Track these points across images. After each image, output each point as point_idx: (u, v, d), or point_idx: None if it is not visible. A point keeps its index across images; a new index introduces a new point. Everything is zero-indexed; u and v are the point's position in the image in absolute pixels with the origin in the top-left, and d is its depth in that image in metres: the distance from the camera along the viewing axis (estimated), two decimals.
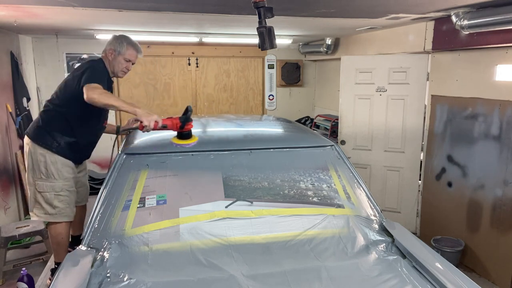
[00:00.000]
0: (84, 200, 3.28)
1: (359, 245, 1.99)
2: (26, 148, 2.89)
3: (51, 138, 2.81)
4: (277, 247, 1.93)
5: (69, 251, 3.13)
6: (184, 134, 2.41)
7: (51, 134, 2.81)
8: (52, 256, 3.48)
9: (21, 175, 4.57)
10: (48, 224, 2.98)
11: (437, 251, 3.06)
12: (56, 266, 3.09)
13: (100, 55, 2.96)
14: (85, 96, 2.53)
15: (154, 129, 2.37)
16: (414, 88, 4.20)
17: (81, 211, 3.32)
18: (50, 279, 3.18)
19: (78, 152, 2.95)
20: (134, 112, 2.43)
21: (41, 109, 2.99)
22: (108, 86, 2.86)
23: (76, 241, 3.29)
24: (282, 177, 2.33)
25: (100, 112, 2.91)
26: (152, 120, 2.35)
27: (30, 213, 2.96)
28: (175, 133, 2.46)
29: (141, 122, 2.35)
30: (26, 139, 2.89)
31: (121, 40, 2.91)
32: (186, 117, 2.39)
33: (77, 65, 3.00)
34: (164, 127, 2.39)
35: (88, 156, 3.13)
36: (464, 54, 3.59)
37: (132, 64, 3.00)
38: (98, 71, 2.77)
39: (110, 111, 3.02)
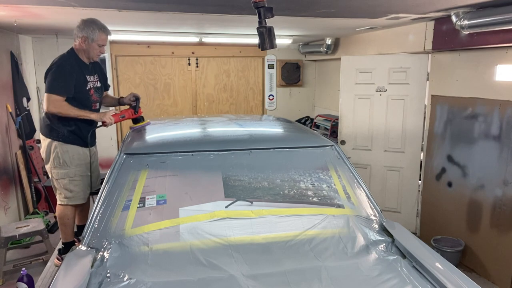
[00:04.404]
0: (96, 186, 3.47)
1: (359, 245, 2.00)
2: (42, 144, 3.21)
3: (57, 131, 3.10)
4: (277, 247, 1.94)
5: (75, 241, 3.23)
6: (138, 119, 3.15)
7: (56, 127, 3.09)
8: (52, 256, 3.52)
9: (21, 175, 4.57)
10: (56, 207, 3.29)
11: (437, 251, 3.06)
12: (63, 246, 3.36)
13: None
14: (44, 108, 2.99)
15: (116, 122, 3.13)
16: (414, 88, 4.20)
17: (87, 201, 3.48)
18: (58, 259, 3.39)
19: (81, 136, 3.17)
20: (89, 117, 3.06)
21: (42, 108, 3.17)
22: (81, 75, 3.08)
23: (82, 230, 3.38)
24: (282, 177, 2.33)
25: (86, 103, 3.15)
26: (109, 115, 3.08)
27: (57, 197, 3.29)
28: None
29: (103, 122, 3.07)
30: (41, 136, 3.22)
31: (92, 26, 3.01)
32: (136, 106, 3.19)
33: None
34: (123, 118, 3.15)
35: (91, 139, 3.31)
36: (464, 54, 3.59)
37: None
38: (60, 74, 2.97)
39: (99, 99, 3.32)
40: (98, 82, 3.29)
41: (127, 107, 3.36)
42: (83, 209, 3.46)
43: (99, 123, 3.14)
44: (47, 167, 3.21)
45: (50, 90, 2.96)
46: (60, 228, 3.33)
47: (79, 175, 3.19)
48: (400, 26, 4.14)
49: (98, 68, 3.33)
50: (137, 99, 3.26)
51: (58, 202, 3.24)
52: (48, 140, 3.13)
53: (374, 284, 1.71)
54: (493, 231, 3.36)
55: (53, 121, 3.10)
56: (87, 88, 3.15)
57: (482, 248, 3.47)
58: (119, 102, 3.47)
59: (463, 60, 3.59)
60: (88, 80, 3.15)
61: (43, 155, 3.20)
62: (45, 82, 3.02)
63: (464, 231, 3.65)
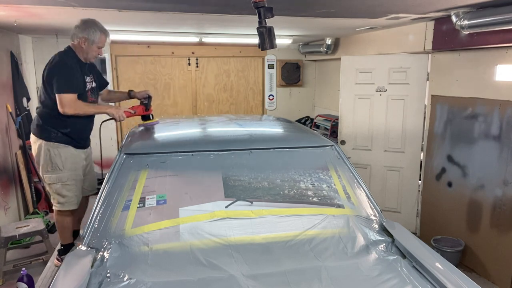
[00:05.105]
0: (92, 189, 3.41)
1: (359, 245, 2.00)
2: (33, 146, 3.09)
3: (49, 131, 3.00)
4: (277, 247, 1.94)
5: (74, 244, 3.22)
6: (148, 116, 3.15)
7: (48, 128, 3.00)
8: (52, 256, 3.52)
9: (21, 175, 4.57)
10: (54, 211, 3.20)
11: (437, 251, 3.06)
12: (62, 247, 3.33)
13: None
14: (60, 110, 2.87)
15: (128, 117, 3.11)
16: (414, 88, 4.20)
17: (84, 204, 3.42)
18: (57, 259, 3.37)
19: (76, 139, 3.09)
20: (105, 112, 3.03)
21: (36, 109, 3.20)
22: (81, 75, 3.01)
23: (76, 235, 3.36)
24: (282, 177, 2.33)
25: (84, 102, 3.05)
26: (121, 112, 3.04)
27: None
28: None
29: (114, 117, 3.03)
30: (32, 137, 3.08)
31: (93, 28, 2.96)
32: (148, 104, 3.18)
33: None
34: (134, 113, 3.14)
35: (86, 141, 3.28)
36: (464, 54, 3.59)
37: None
38: (66, 72, 2.89)
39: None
40: (94, 83, 3.22)
41: (137, 101, 3.34)
42: (79, 214, 3.39)
43: (109, 117, 3.08)
44: (40, 171, 3.11)
45: (61, 89, 2.85)
46: (58, 231, 3.28)
47: (72, 179, 3.08)
48: (400, 26, 4.14)
49: (93, 68, 3.26)
50: (149, 97, 3.25)
51: (54, 207, 3.16)
52: (40, 141, 3.01)
53: (374, 284, 1.71)
54: (493, 231, 3.36)
55: (46, 122, 3.00)
56: (86, 89, 3.08)
57: (482, 248, 3.47)
58: (130, 95, 3.43)
59: (463, 60, 3.59)
60: (86, 81, 3.09)
61: (35, 158, 3.11)
62: (45, 81, 2.93)
63: (464, 231, 3.65)
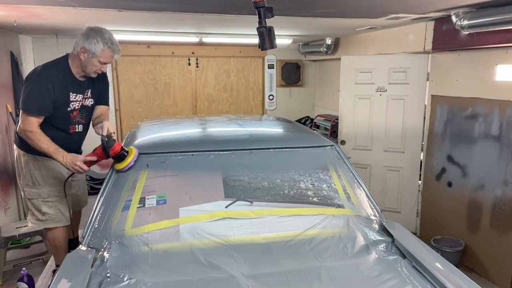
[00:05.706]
0: (83, 204, 3.18)
1: (359, 245, 1.99)
2: (15, 155, 2.80)
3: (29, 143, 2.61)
4: (277, 247, 1.93)
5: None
6: (120, 156, 2.22)
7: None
8: (52, 257, 3.49)
9: None
10: (45, 228, 2.91)
11: (437, 251, 3.06)
12: (57, 267, 3.05)
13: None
14: (19, 126, 2.49)
15: (89, 167, 2.45)
16: (414, 88, 4.20)
17: (76, 215, 3.23)
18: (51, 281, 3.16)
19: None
20: (56, 159, 2.45)
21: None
22: (64, 92, 2.58)
23: (70, 244, 3.13)
24: (282, 177, 2.33)
25: (62, 126, 2.68)
26: (79, 164, 2.39)
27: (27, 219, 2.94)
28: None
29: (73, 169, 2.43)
30: (14, 146, 2.80)
31: (96, 38, 2.53)
32: (106, 144, 2.25)
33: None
34: (95, 162, 2.39)
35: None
36: (464, 54, 3.59)
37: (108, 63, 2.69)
38: (34, 90, 2.47)
39: (79, 120, 2.78)
40: (89, 100, 2.76)
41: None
42: (73, 223, 3.13)
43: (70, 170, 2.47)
44: (19, 183, 2.79)
45: (23, 107, 2.46)
46: (51, 250, 3.00)
47: (53, 196, 2.72)
48: (400, 26, 4.14)
49: (96, 83, 2.79)
50: (107, 136, 2.42)
51: (29, 223, 2.84)
52: (19, 151, 2.70)
53: (374, 284, 1.71)
54: (493, 231, 3.36)
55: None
56: (68, 109, 2.64)
57: (482, 248, 3.47)
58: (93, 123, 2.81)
59: (463, 60, 3.59)
60: (72, 99, 2.63)
61: (16, 168, 2.79)
62: (22, 90, 2.55)
63: (464, 231, 3.65)
